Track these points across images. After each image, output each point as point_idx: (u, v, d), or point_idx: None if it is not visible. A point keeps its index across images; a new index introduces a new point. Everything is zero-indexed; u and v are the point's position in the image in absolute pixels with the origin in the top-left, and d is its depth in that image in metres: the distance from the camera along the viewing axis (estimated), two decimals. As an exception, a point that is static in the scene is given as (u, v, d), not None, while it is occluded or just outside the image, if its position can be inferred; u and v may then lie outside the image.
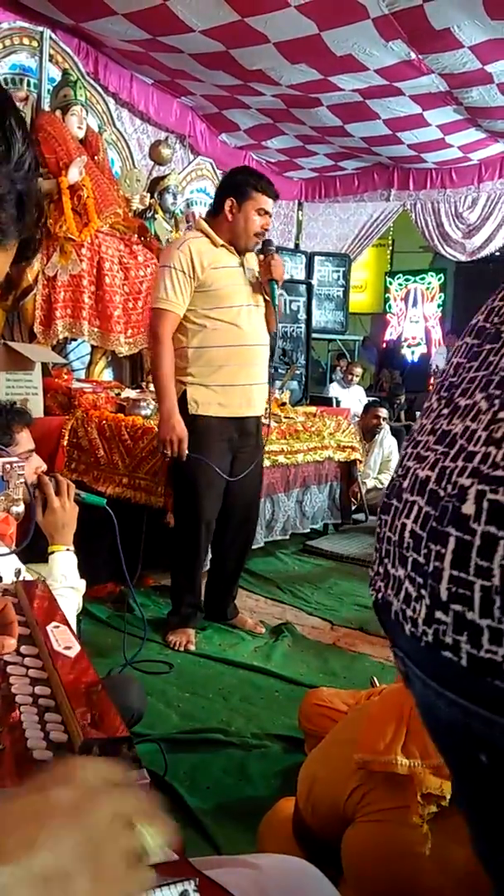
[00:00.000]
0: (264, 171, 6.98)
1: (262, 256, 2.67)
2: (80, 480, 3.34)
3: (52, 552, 1.60)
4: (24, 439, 1.80)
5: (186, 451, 2.59)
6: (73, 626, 1.54)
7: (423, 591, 0.47)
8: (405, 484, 0.52)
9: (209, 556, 2.97)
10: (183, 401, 2.63)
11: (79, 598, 1.60)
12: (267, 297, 2.68)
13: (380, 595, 0.53)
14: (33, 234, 0.61)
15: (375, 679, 2.14)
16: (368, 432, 5.00)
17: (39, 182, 0.61)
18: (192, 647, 2.67)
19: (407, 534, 0.50)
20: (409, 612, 0.48)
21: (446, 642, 0.44)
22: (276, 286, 2.62)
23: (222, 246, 2.63)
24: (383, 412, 5.23)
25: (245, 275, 2.65)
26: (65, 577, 1.57)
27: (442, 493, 0.48)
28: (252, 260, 2.70)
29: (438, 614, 0.45)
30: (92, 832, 0.39)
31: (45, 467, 1.80)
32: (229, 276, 2.60)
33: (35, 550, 1.57)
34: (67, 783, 0.42)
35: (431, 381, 9.82)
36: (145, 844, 0.41)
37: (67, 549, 1.61)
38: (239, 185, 2.65)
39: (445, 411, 0.53)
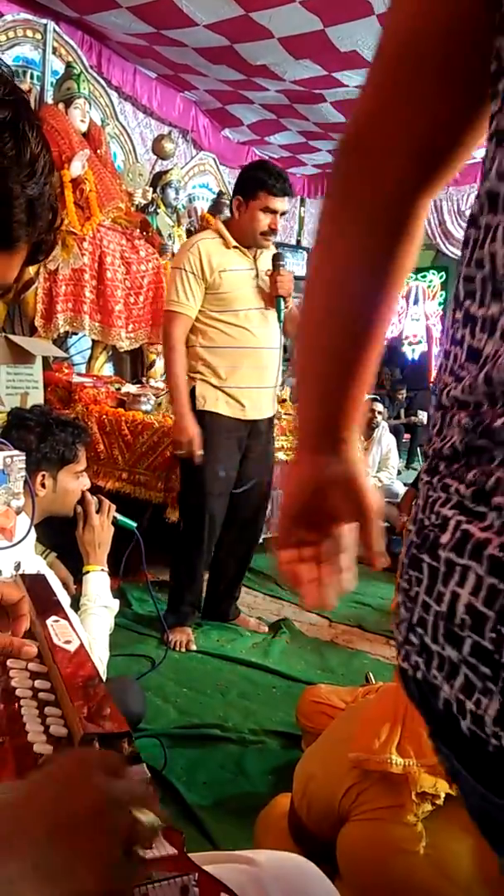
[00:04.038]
0: (267, 167, 7.01)
1: (271, 271, 2.61)
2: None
3: (87, 572, 1.65)
4: (83, 458, 1.83)
5: (199, 453, 2.58)
6: (106, 645, 1.57)
7: (490, 685, 0.37)
8: (444, 539, 0.43)
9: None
10: (192, 396, 2.64)
11: (111, 617, 1.63)
12: (274, 311, 2.64)
13: (418, 673, 0.44)
14: (46, 237, 0.61)
15: (371, 675, 2.14)
16: (365, 427, 4.99)
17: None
18: (193, 647, 2.66)
19: (461, 607, 0.40)
20: (469, 706, 0.39)
21: None
22: (282, 302, 2.57)
23: (235, 248, 2.58)
24: (378, 406, 5.22)
25: (257, 278, 2.60)
26: (98, 597, 1.61)
27: None
28: (265, 262, 2.63)
29: None
30: (92, 824, 0.41)
31: (89, 485, 1.83)
32: (239, 280, 2.56)
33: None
34: (67, 776, 0.43)
35: (432, 379, 9.83)
36: (140, 829, 0.42)
37: (102, 570, 1.66)
38: (246, 182, 2.59)
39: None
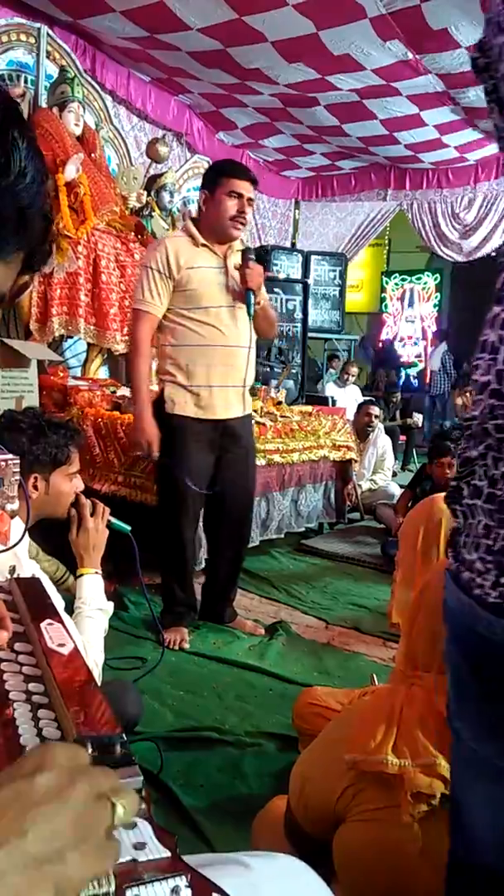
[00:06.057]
0: (261, 170, 7.02)
1: (240, 265, 2.55)
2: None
3: (81, 574, 1.64)
4: (76, 459, 1.83)
5: (157, 454, 2.58)
6: (101, 647, 1.56)
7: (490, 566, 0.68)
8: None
9: (204, 555, 2.98)
10: (161, 399, 2.62)
11: (106, 619, 1.62)
12: (244, 309, 2.57)
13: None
14: (38, 245, 0.61)
15: (375, 677, 2.13)
16: (361, 431, 4.99)
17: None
18: (186, 646, 2.67)
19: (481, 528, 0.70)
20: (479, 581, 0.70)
21: None
22: (252, 296, 2.52)
23: (203, 246, 2.56)
24: (375, 410, 5.22)
25: (226, 276, 2.56)
26: (92, 600, 1.60)
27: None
28: (235, 261, 2.59)
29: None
30: (75, 810, 0.42)
31: (82, 487, 1.82)
32: (207, 277, 2.53)
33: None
34: (43, 767, 0.43)
35: (427, 380, 9.84)
36: (120, 816, 0.44)
37: (96, 572, 1.66)
38: (209, 175, 2.60)
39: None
